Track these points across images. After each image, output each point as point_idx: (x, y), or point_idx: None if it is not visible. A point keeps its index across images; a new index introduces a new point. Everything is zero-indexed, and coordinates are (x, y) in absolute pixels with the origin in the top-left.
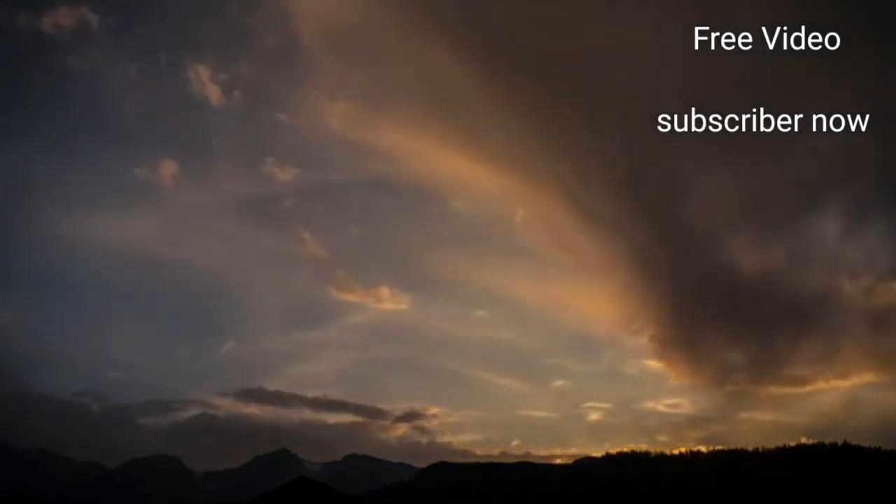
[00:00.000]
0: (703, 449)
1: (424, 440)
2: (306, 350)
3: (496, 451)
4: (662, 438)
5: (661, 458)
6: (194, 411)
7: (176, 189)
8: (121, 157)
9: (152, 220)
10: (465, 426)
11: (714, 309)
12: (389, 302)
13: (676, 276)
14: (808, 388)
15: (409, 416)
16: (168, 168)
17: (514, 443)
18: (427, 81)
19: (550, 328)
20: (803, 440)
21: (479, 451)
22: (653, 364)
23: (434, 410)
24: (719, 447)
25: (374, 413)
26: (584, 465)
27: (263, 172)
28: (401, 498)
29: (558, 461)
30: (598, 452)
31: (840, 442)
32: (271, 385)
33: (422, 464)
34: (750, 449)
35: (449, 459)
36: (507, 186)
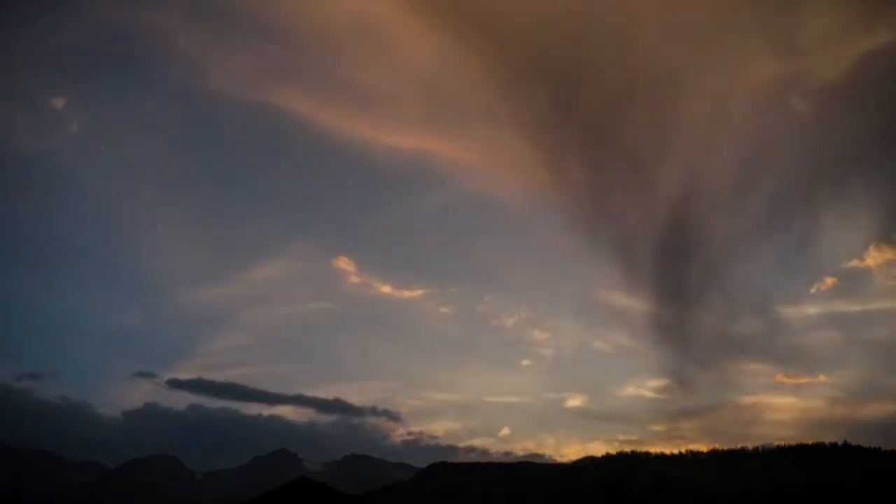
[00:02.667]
0: (703, 449)
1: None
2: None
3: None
4: None
5: (662, 457)
6: None
7: None
8: None
9: None
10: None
11: None
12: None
13: None
14: None
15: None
16: None
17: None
18: None
19: None
20: (803, 440)
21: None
22: None
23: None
24: (719, 447)
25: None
26: (585, 465)
27: None
28: (401, 498)
29: (559, 460)
30: (598, 452)
31: (840, 442)
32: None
33: (422, 464)
34: (750, 449)
35: (449, 459)
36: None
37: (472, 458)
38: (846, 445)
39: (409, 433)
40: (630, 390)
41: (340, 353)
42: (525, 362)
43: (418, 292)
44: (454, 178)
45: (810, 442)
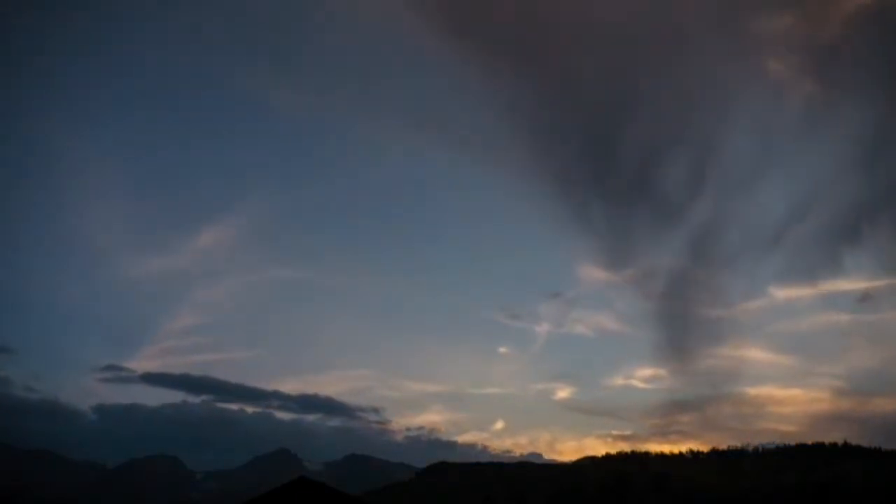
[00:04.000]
0: (703, 449)
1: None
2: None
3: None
4: None
5: (662, 457)
6: None
7: None
8: None
9: None
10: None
11: None
12: None
13: None
14: None
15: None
16: None
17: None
18: None
19: None
20: (803, 440)
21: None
22: None
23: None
24: (719, 447)
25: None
26: (585, 465)
27: None
28: (401, 498)
29: (558, 460)
30: (591, 448)
31: (840, 442)
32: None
33: (422, 464)
34: (750, 449)
35: (449, 459)
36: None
37: (472, 457)
38: (846, 445)
39: (408, 429)
40: (619, 381)
41: (309, 336)
42: (502, 349)
43: (393, 277)
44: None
45: (810, 442)
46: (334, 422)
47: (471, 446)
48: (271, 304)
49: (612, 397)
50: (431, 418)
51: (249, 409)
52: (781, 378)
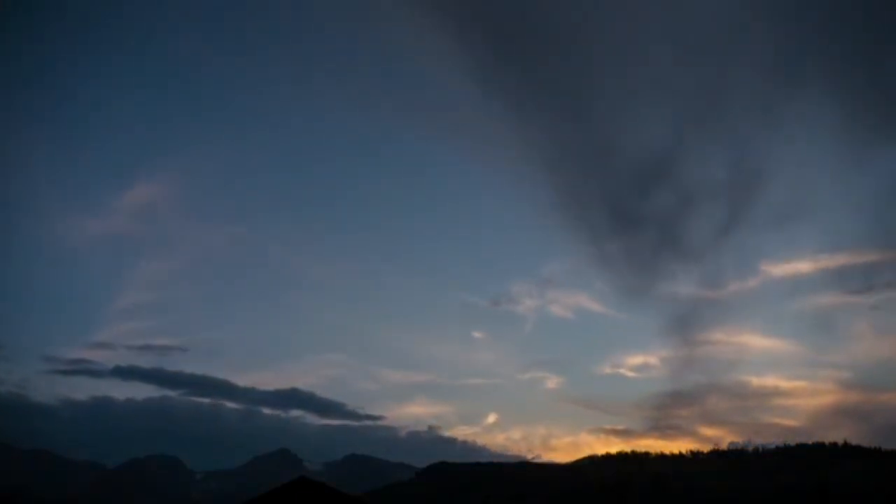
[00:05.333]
0: (703, 449)
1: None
2: None
3: None
4: None
5: (661, 457)
6: None
7: None
8: None
9: None
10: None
11: None
12: None
13: None
14: None
15: None
16: None
17: None
18: None
19: None
20: (803, 440)
21: None
22: None
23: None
24: (719, 447)
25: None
26: (585, 465)
27: None
28: (401, 498)
29: (557, 461)
30: (593, 449)
31: (840, 442)
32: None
33: (422, 464)
34: (750, 449)
35: (449, 459)
36: None
37: (472, 457)
38: (846, 445)
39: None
40: (607, 369)
41: (276, 321)
42: (479, 335)
43: (368, 259)
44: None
45: (810, 442)
46: (320, 419)
47: (470, 446)
48: (229, 287)
49: (603, 387)
50: (416, 411)
51: (230, 405)
52: (785, 367)
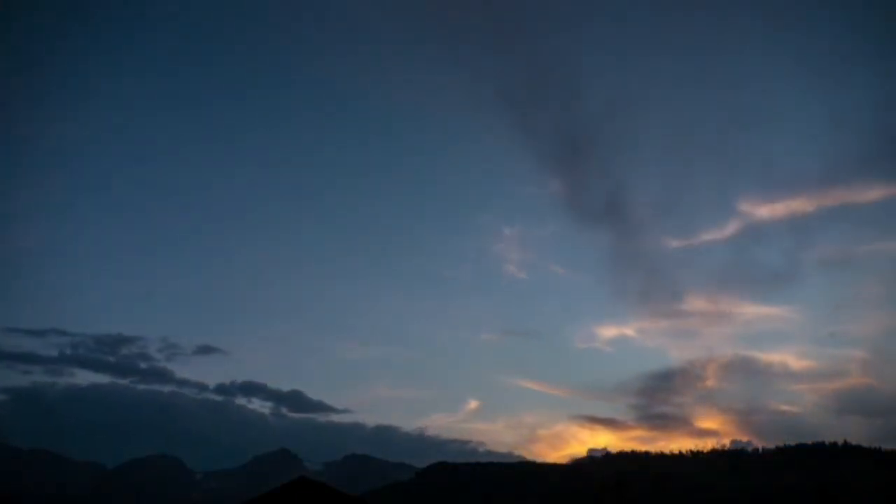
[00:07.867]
0: (703, 449)
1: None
2: None
3: None
4: None
5: (661, 457)
6: None
7: None
8: None
9: None
10: None
11: None
12: None
13: None
14: None
15: None
16: None
17: None
18: None
19: None
20: (803, 440)
21: None
22: None
23: None
24: (719, 447)
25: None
26: (584, 465)
27: None
28: (401, 498)
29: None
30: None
31: (840, 442)
32: None
33: (422, 464)
34: (750, 449)
35: (449, 459)
36: None
37: (472, 457)
38: (846, 445)
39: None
40: (581, 343)
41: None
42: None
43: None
44: None
45: (810, 442)
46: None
47: (471, 445)
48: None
49: (579, 365)
50: (380, 393)
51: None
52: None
